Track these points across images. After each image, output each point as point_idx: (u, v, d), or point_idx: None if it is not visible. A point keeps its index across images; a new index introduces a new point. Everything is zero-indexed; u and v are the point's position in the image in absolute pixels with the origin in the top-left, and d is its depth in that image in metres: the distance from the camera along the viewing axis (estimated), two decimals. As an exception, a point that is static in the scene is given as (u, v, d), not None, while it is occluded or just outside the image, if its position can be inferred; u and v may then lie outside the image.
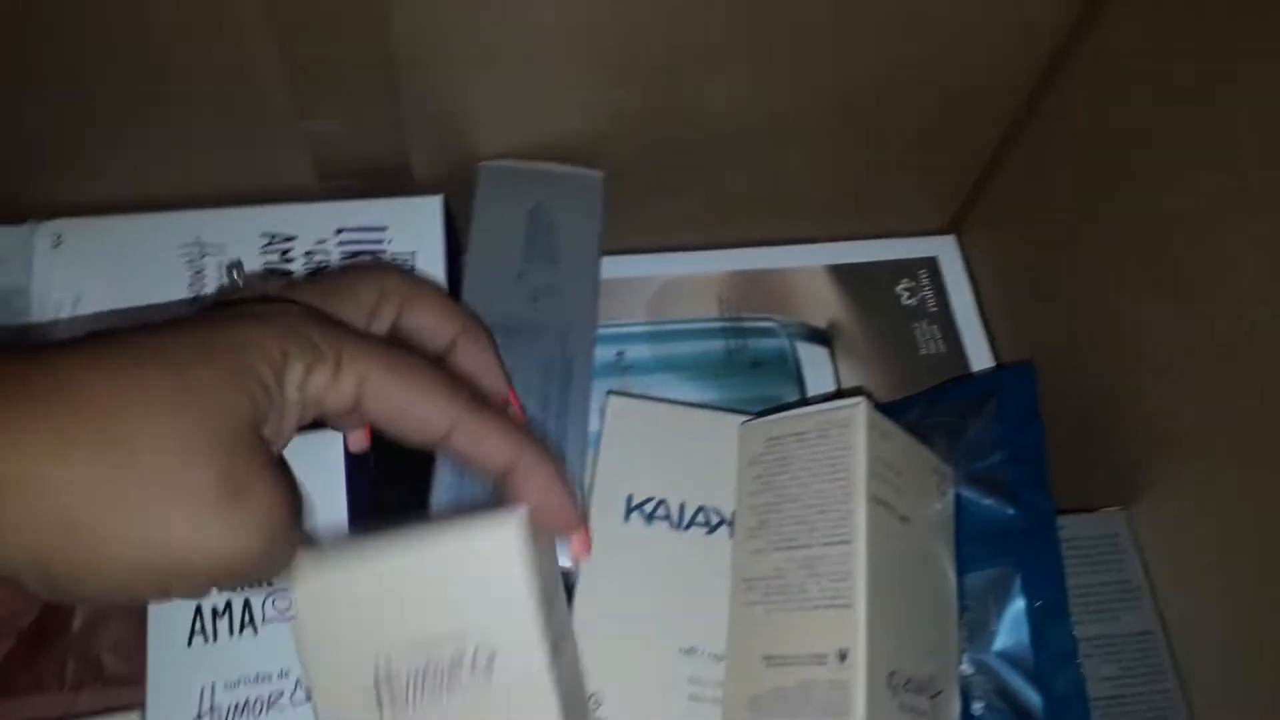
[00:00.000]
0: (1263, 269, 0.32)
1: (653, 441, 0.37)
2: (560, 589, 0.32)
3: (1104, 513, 0.39)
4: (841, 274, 0.51)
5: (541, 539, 0.30)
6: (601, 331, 0.46)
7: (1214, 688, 0.36)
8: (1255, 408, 0.33)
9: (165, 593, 0.24)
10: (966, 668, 0.35)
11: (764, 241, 0.51)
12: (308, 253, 0.41)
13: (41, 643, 0.36)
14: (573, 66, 0.39)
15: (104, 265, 0.41)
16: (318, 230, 0.41)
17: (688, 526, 0.36)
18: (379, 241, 0.41)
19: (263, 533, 0.24)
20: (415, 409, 0.28)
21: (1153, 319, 0.38)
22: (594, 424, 0.38)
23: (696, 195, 0.48)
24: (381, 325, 0.32)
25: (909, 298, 0.51)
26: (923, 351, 0.49)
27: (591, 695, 0.33)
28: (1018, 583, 0.35)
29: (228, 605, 0.33)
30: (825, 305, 0.50)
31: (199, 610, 0.33)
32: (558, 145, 0.43)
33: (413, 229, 0.42)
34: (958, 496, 0.37)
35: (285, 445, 0.28)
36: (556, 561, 0.33)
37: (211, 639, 0.33)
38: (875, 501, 0.32)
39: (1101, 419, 0.41)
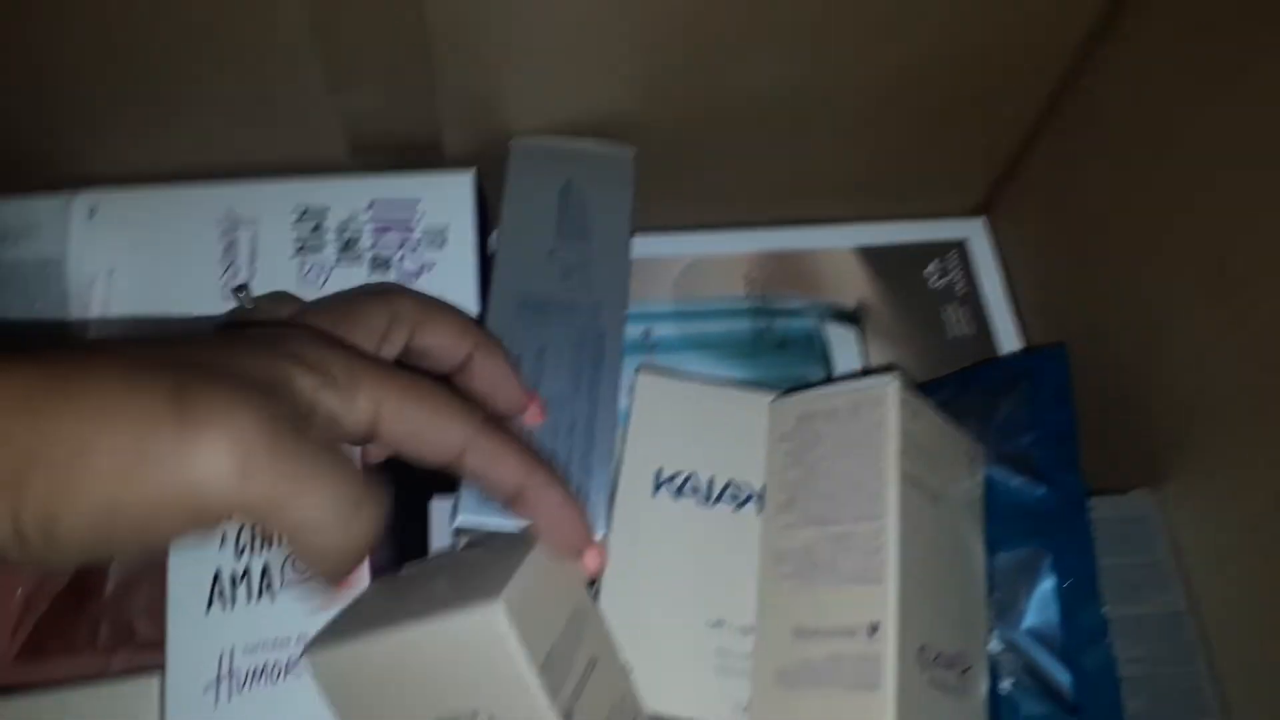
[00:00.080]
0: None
1: (681, 417, 0.38)
2: (587, 611, 0.32)
3: (1134, 495, 0.39)
4: (870, 255, 0.51)
5: (553, 574, 0.31)
6: (629, 310, 0.46)
7: (1244, 669, 0.36)
8: (1289, 391, 0.33)
9: (145, 530, 0.23)
10: (996, 645, 0.35)
11: (793, 221, 0.51)
12: (339, 226, 0.41)
13: (75, 606, 0.37)
14: (606, 43, 0.39)
15: (138, 236, 0.41)
16: (350, 204, 0.42)
17: (716, 501, 0.36)
18: (411, 216, 0.42)
19: (232, 452, 0.22)
20: (429, 433, 0.29)
21: (1184, 304, 0.38)
22: (622, 401, 0.38)
23: (726, 174, 0.48)
24: (393, 349, 0.33)
25: (938, 280, 0.50)
26: (951, 334, 0.49)
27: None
28: (1048, 562, 0.35)
29: (246, 571, 0.33)
30: (854, 287, 0.50)
31: (217, 576, 0.33)
32: (589, 121, 0.43)
33: (445, 204, 0.42)
34: (988, 476, 0.37)
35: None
36: (579, 582, 0.33)
37: (230, 605, 0.33)
38: (906, 479, 0.32)
39: (1131, 402, 0.41)
